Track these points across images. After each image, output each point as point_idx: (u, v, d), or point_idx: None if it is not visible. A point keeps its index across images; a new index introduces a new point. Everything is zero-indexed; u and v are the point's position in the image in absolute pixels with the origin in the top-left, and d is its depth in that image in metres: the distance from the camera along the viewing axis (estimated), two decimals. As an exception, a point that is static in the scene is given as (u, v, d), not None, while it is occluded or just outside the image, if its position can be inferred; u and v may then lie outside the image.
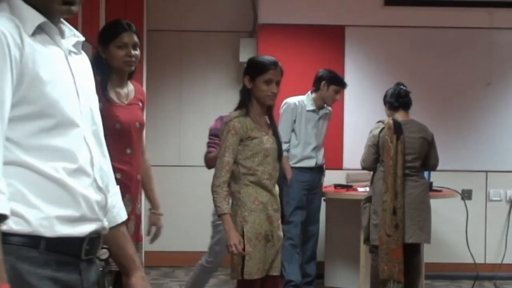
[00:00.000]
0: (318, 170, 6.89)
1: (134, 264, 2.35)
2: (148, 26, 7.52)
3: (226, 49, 8.32)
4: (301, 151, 6.72)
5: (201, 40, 8.36)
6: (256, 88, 4.22)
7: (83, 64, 2.26)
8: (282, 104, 6.71)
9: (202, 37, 8.36)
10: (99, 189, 2.17)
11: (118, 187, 2.38)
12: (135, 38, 3.86)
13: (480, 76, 7.89)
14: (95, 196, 2.14)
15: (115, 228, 2.32)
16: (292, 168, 6.64)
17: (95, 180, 2.15)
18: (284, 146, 6.48)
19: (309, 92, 6.80)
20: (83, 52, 2.28)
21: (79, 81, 2.17)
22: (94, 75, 3.70)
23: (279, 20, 7.84)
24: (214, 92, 8.26)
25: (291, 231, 6.50)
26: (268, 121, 4.38)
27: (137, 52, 3.86)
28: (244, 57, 7.74)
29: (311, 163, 6.77)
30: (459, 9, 7.86)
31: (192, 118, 8.35)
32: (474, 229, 7.48)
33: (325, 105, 6.84)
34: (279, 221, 4.41)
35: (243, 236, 4.22)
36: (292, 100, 6.72)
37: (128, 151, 3.84)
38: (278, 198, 4.39)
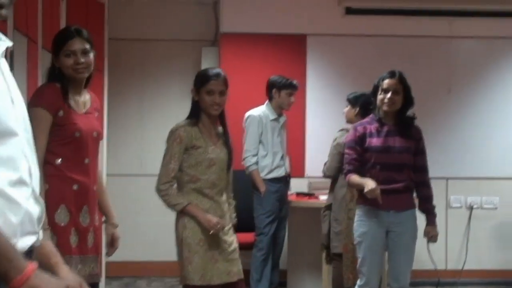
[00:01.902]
0: (286, 179, 6.90)
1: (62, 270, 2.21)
2: (109, 35, 7.47)
3: (188, 58, 8.31)
4: (271, 161, 6.72)
5: (163, 49, 8.36)
6: (201, 99, 4.33)
7: (7, 69, 2.10)
8: (246, 117, 6.73)
9: (164, 46, 8.36)
10: (37, 200, 2.07)
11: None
12: (85, 44, 3.78)
13: (440, 83, 7.96)
14: (34, 208, 2.04)
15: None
16: (264, 180, 6.64)
17: (33, 191, 2.04)
18: (253, 159, 6.54)
19: (267, 101, 6.82)
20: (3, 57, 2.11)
21: (12, 87, 2.06)
22: (53, 82, 3.70)
23: (241, 29, 7.86)
24: (176, 101, 8.21)
25: (263, 242, 6.62)
26: (221, 131, 4.48)
27: (89, 57, 3.78)
28: (206, 66, 7.58)
29: (281, 172, 6.78)
30: (419, 18, 7.91)
31: (153, 127, 8.30)
32: (435, 236, 7.53)
33: (283, 112, 6.85)
34: (228, 227, 4.46)
35: (181, 242, 4.30)
36: (256, 112, 6.72)
37: (86, 161, 3.78)
38: (224, 205, 4.47)
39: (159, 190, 4.36)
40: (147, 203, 8.15)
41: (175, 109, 8.17)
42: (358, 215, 4.99)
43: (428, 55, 7.99)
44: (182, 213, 4.34)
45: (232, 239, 4.47)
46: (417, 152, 5.00)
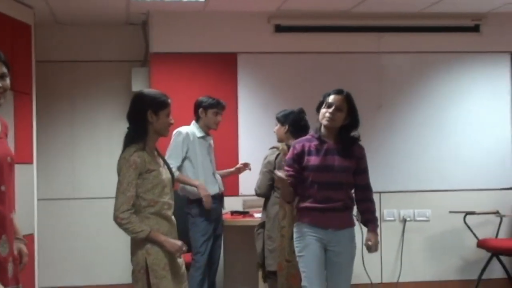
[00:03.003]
0: (220, 198, 6.85)
1: None
2: (37, 57, 7.37)
3: (118, 79, 8.27)
4: (203, 178, 6.67)
5: (92, 70, 8.30)
6: (160, 121, 4.31)
7: None
8: (174, 133, 6.66)
9: (94, 67, 8.31)
10: None
11: None
12: (2, 68, 3.58)
13: (371, 99, 8.02)
14: None
15: None
16: (198, 199, 6.55)
17: None
18: (174, 170, 6.49)
19: (193, 121, 6.81)
20: None
21: None
22: None
23: (171, 48, 7.82)
24: (107, 122, 8.17)
25: (200, 261, 6.54)
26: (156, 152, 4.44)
27: (6, 82, 3.58)
28: (136, 86, 7.74)
29: (214, 189, 6.72)
30: (348, 34, 8.02)
31: (85, 149, 8.24)
32: (370, 250, 7.55)
33: (210, 132, 6.86)
34: None
35: (147, 268, 4.23)
36: (183, 129, 6.69)
37: (2, 188, 3.57)
38: (175, 224, 4.42)
39: (120, 219, 4.18)
40: (81, 226, 8.15)
41: (106, 130, 8.14)
42: (296, 232, 4.93)
43: (358, 71, 8.07)
44: (142, 240, 4.23)
45: (182, 261, 4.44)
46: (359, 171, 4.93)
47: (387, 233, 7.98)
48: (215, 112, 6.75)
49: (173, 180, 4.48)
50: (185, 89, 7.67)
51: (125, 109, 4.35)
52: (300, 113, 6.10)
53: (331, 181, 4.80)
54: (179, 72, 7.82)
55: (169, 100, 4.37)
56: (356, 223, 5.04)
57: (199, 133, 6.72)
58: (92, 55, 8.29)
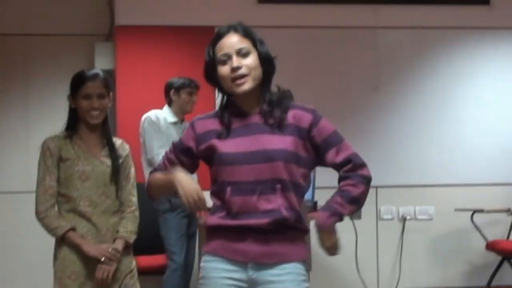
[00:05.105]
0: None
1: None
2: (-14, 30, 7.10)
3: (79, 54, 7.85)
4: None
5: (50, 45, 7.90)
6: (78, 106, 4.03)
7: None
8: (143, 119, 6.47)
9: (52, 41, 7.90)
10: None
11: None
12: None
13: (366, 79, 7.69)
14: None
15: None
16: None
17: None
18: (162, 151, 6.23)
19: (166, 105, 6.62)
20: None
21: None
22: None
23: (139, 21, 7.44)
24: (66, 104, 7.47)
25: (177, 262, 6.37)
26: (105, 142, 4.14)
27: None
28: (100, 63, 7.38)
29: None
30: (340, 6, 7.68)
31: (41, 134, 7.40)
32: (364, 252, 7.28)
33: (185, 118, 6.64)
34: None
35: (54, 275, 4.00)
36: (151, 113, 6.49)
37: None
38: (109, 230, 4.04)
39: (38, 212, 3.99)
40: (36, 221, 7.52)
41: (64, 113, 7.43)
42: (200, 266, 3.08)
43: (351, 48, 7.71)
44: (56, 239, 3.99)
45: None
46: (323, 146, 2.99)
47: (384, 233, 7.66)
48: (189, 92, 6.58)
49: (116, 174, 4.07)
50: (156, 67, 7.35)
51: (86, 89, 4.01)
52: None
53: (254, 179, 2.89)
54: (148, 47, 7.49)
55: (88, 79, 4.03)
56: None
57: (171, 118, 6.51)
58: (49, 28, 7.85)
